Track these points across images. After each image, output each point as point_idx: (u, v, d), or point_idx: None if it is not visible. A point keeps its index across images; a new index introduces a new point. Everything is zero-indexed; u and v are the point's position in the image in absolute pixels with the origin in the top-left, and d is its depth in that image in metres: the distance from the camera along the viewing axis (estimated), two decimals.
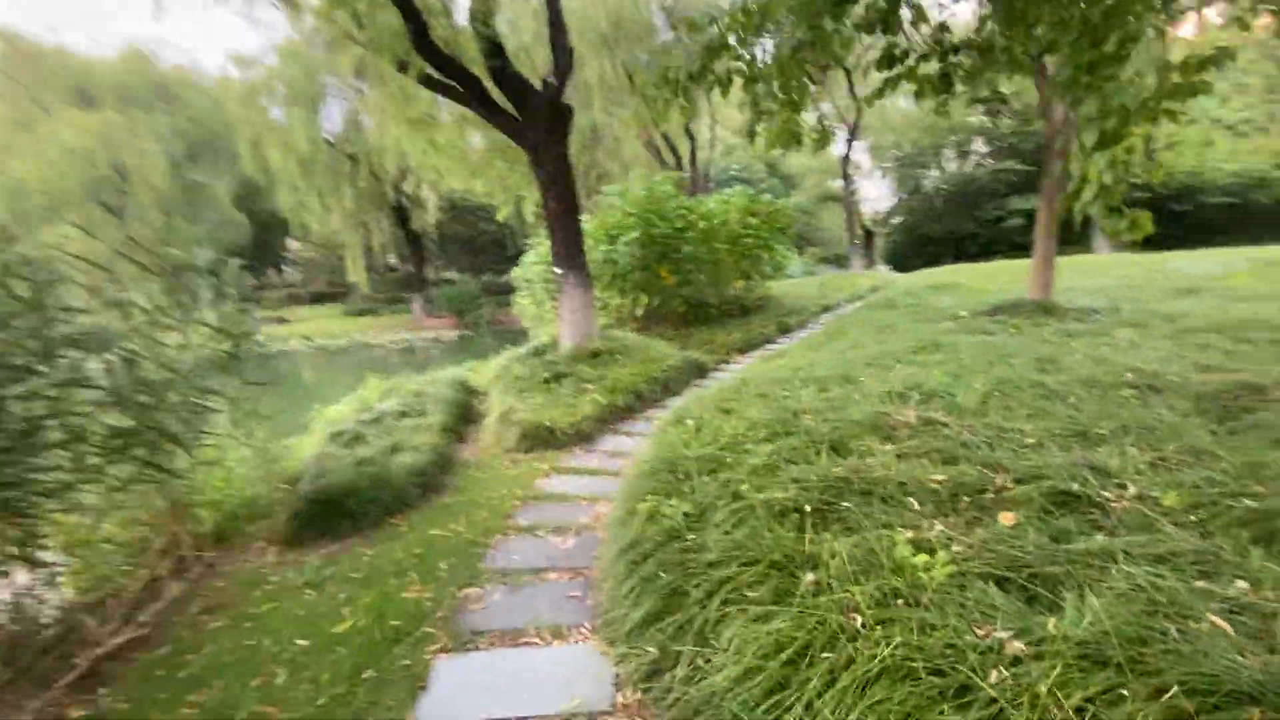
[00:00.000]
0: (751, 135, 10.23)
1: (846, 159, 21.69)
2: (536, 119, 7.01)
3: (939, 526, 2.69)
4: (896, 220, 34.68)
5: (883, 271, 21.56)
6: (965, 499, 2.96)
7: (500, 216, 12.72)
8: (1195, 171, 25.78)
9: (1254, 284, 8.22)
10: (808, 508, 2.92)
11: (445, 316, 27.20)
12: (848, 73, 17.28)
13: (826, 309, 12.70)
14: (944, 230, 31.21)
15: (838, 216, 31.27)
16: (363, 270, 24.78)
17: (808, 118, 10.63)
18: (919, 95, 4.17)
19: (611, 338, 7.87)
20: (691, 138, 16.89)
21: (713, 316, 10.37)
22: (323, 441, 5.28)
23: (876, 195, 38.01)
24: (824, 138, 10.66)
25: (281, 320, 28.96)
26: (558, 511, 4.04)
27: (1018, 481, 3.03)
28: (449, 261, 41.16)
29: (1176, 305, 7.64)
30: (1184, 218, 25.89)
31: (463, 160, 10.46)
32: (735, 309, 11.03)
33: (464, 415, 6.51)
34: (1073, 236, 27.63)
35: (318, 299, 35.79)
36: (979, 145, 30.98)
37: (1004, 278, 12.89)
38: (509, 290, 31.97)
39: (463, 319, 26.84)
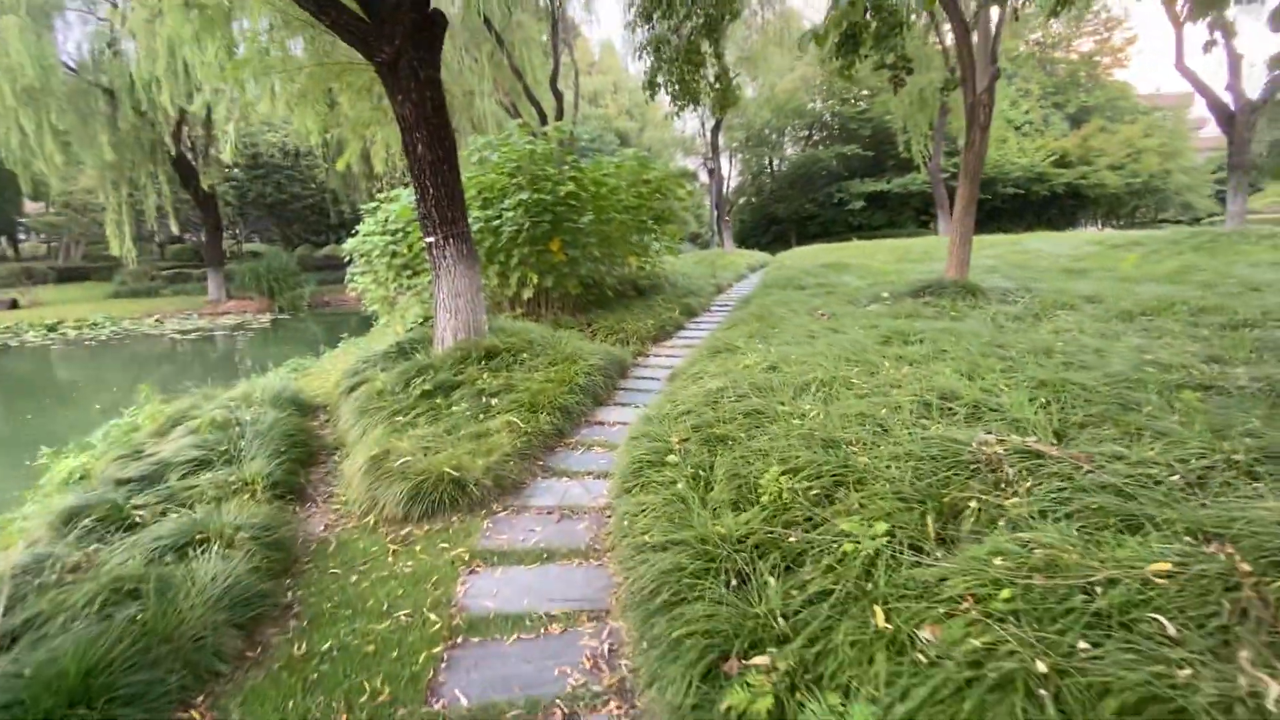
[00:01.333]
0: (652, 87, 8.74)
1: (717, 130, 21.08)
2: (395, 22, 4.93)
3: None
4: (742, 200, 35.52)
5: (746, 251, 21.46)
6: (1213, 606, 1.87)
7: (341, 165, 9.98)
8: (995, 164, 29.17)
9: (1138, 266, 8.65)
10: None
11: (251, 298, 22.52)
12: None
13: (720, 289, 11.83)
14: (788, 211, 32.46)
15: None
16: (129, 239, 19.38)
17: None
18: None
19: (507, 330, 6.07)
20: (558, 96, 14.99)
21: (609, 299, 8.88)
22: (38, 539, 3.00)
23: (724, 175, 38.71)
24: (727, 95, 9.54)
25: (14, 304, 22.09)
26: (516, 665, 2.32)
27: (1265, 564, 2.02)
28: (253, 230, 34.79)
29: (1078, 286, 7.67)
30: (982, 205, 29.09)
31: (283, 80, 7.73)
32: (630, 290, 9.64)
33: (303, 454, 4.41)
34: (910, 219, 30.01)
35: (68, 276, 28.16)
36: (819, 129, 32.51)
37: (883, 255, 12.98)
38: (337, 265, 27.62)
39: (275, 300, 22.39)
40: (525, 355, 5.50)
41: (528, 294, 7.73)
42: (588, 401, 5.01)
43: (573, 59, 17.78)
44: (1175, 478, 2.63)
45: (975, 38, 7.35)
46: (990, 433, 3.12)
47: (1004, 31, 7.24)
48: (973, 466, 2.82)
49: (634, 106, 36.00)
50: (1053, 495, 2.55)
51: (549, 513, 3.38)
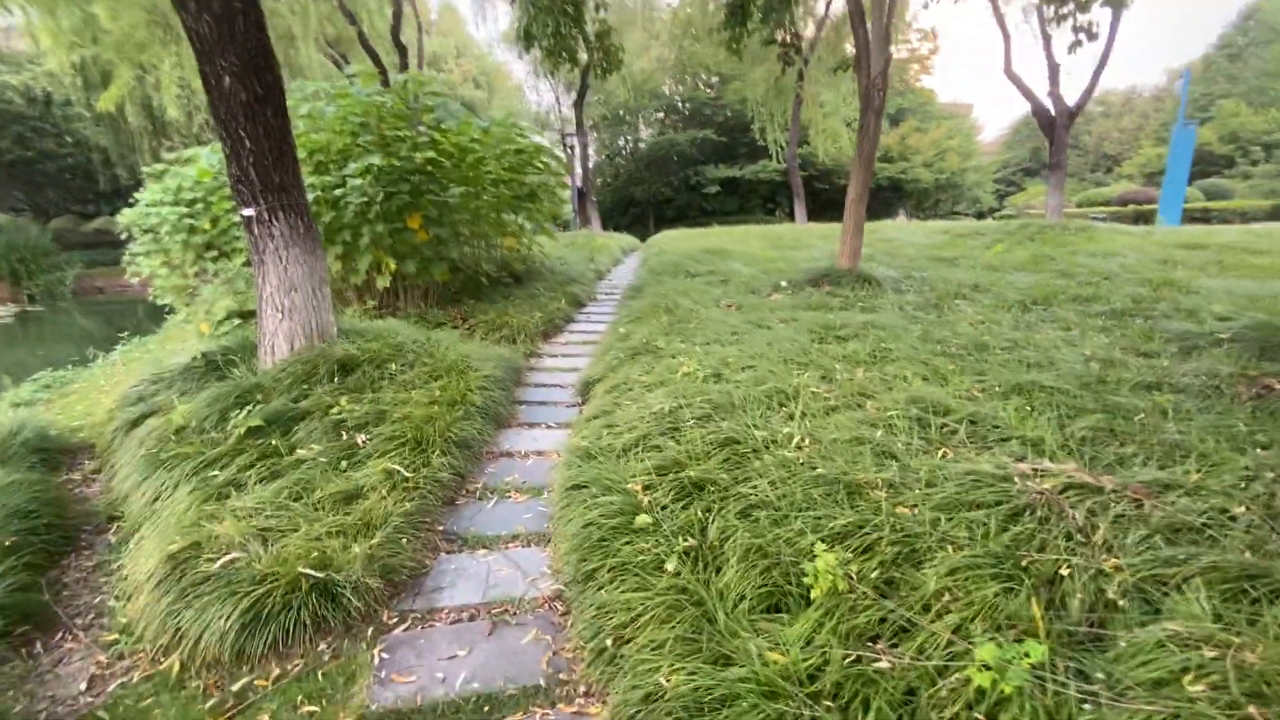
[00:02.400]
0: (526, 39, 7.51)
1: (581, 102, 19.88)
2: None
3: None
4: (600, 181, 34.79)
5: (614, 233, 20.76)
6: None
7: (106, 104, 7.55)
8: (833, 158, 31.31)
9: (1000, 255, 9.17)
10: None
11: None
12: None
13: (600, 275, 10.95)
14: (646, 193, 32.34)
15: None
16: None
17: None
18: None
19: (363, 332, 4.69)
20: (402, 50, 12.89)
21: (483, 288, 7.61)
22: None
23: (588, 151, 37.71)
24: (609, 56, 8.59)
25: None
26: None
27: None
28: None
29: (956, 274, 7.90)
30: (819, 194, 31.23)
31: None
32: (505, 277, 8.42)
33: (51, 541, 2.84)
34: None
35: None
36: (673, 113, 32.60)
37: (755, 242, 12.89)
38: (114, 242, 22.58)
39: (24, 286, 17.53)
40: (394, 366, 4.21)
41: (383, 283, 6.26)
42: (488, 427, 3.90)
43: (414, 9, 15.56)
44: (1241, 509, 2.28)
45: (869, 22, 7.14)
46: (1023, 460, 2.63)
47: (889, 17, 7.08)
48: (1032, 511, 2.27)
49: (481, 74, 33.44)
50: (1144, 548, 2.06)
51: (471, 616, 2.31)
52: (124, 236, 8.89)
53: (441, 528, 2.86)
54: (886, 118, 35.70)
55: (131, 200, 8.50)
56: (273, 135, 3.92)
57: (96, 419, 4.57)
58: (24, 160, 23.05)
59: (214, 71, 3.72)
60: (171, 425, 3.47)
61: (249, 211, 3.96)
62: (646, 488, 2.66)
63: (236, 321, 6.78)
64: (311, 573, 2.22)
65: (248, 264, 7.32)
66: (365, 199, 5.78)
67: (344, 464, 3.10)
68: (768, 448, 2.83)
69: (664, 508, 2.51)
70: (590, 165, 31.96)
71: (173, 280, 8.32)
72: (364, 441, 3.28)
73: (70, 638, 2.33)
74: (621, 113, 31.05)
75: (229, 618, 2.09)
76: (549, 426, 4.16)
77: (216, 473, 3.03)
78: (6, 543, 2.58)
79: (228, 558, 2.25)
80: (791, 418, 3.20)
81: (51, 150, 23.40)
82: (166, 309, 9.22)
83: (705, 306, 6.46)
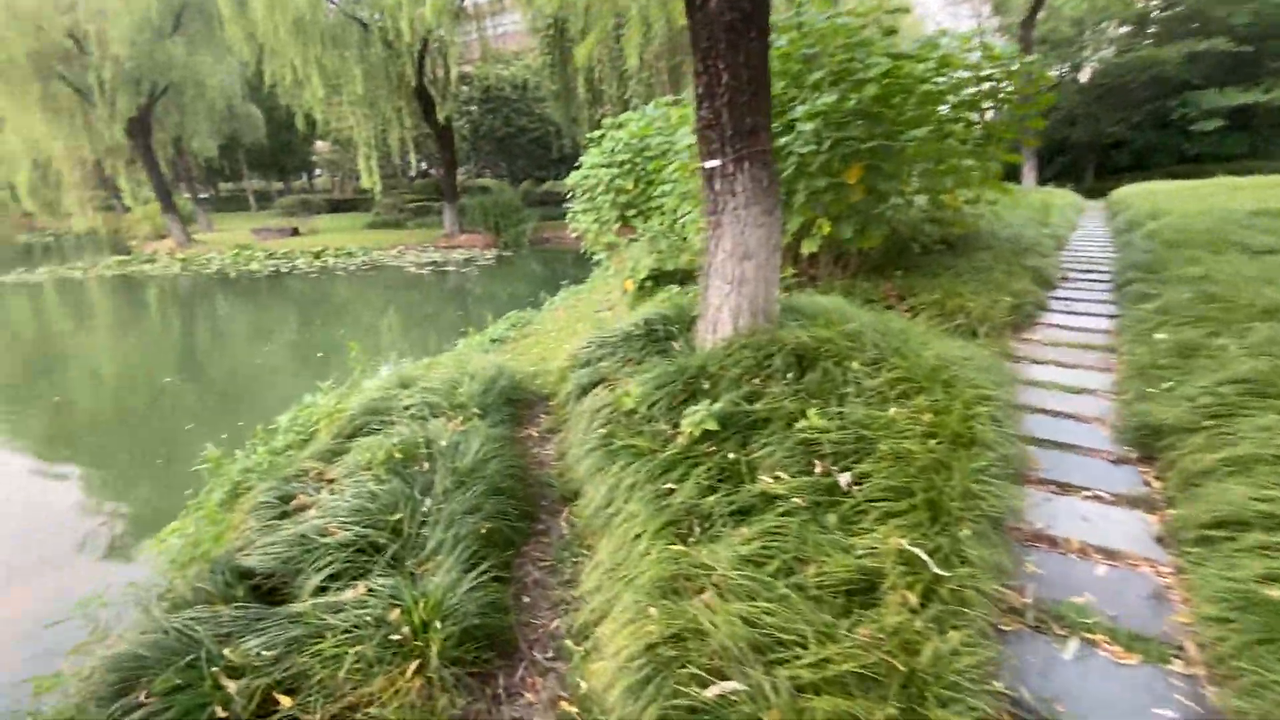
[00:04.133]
0: None
1: (1031, 23, 15.86)
2: None
3: None
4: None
5: (1046, 188, 16.40)
6: None
7: (583, 56, 8.34)
8: None
9: None
10: None
11: (480, 233, 23.12)
12: None
13: (1059, 244, 8.28)
14: (1086, 135, 25.09)
15: None
16: (375, 172, 20.51)
17: None
18: None
19: (805, 310, 3.83)
20: None
21: (913, 256, 6.14)
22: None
23: None
24: None
25: (295, 231, 25.36)
26: None
27: None
28: (483, 165, 36.52)
29: None
30: None
31: None
32: (935, 243, 6.71)
33: (516, 515, 2.68)
34: None
35: (338, 208, 31.98)
36: (1153, 24, 24.11)
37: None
38: (554, 200, 27.72)
39: (500, 236, 22.71)
40: (855, 364, 3.20)
41: (809, 248, 5.35)
42: (1000, 479, 2.58)
43: None
44: None
45: None
46: None
47: None
48: None
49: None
50: None
51: None
52: (568, 195, 10.08)
53: (999, 684, 1.72)
54: None
55: (576, 165, 9.46)
56: (753, 65, 3.16)
57: (549, 369, 4.78)
58: (508, 136, 29.88)
59: None
60: (622, 406, 3.11)
61: (713, 163, 3.34)
62: None
63: (653, 280, 6.82)
64: None
65: (673, 224, 7.41)
66: (812, 148, 4.85)
67: (829, 515, 2.20)
68: None
69: None
70: None
71: (602, 238, 9.05)
72: (849, 486, 2.33)
73: (528, 679, 1.95)
74: (1072, 30, 24.32)
75: None
76: (1095, 496, 2.63)
77: (672, 485, 2.46)
78: (483, 529, 2.39)
79: (722, 688, 1.51)
80: None
81: (524, 126, 29.73)
82: (593, 260, 10.27)
83: None
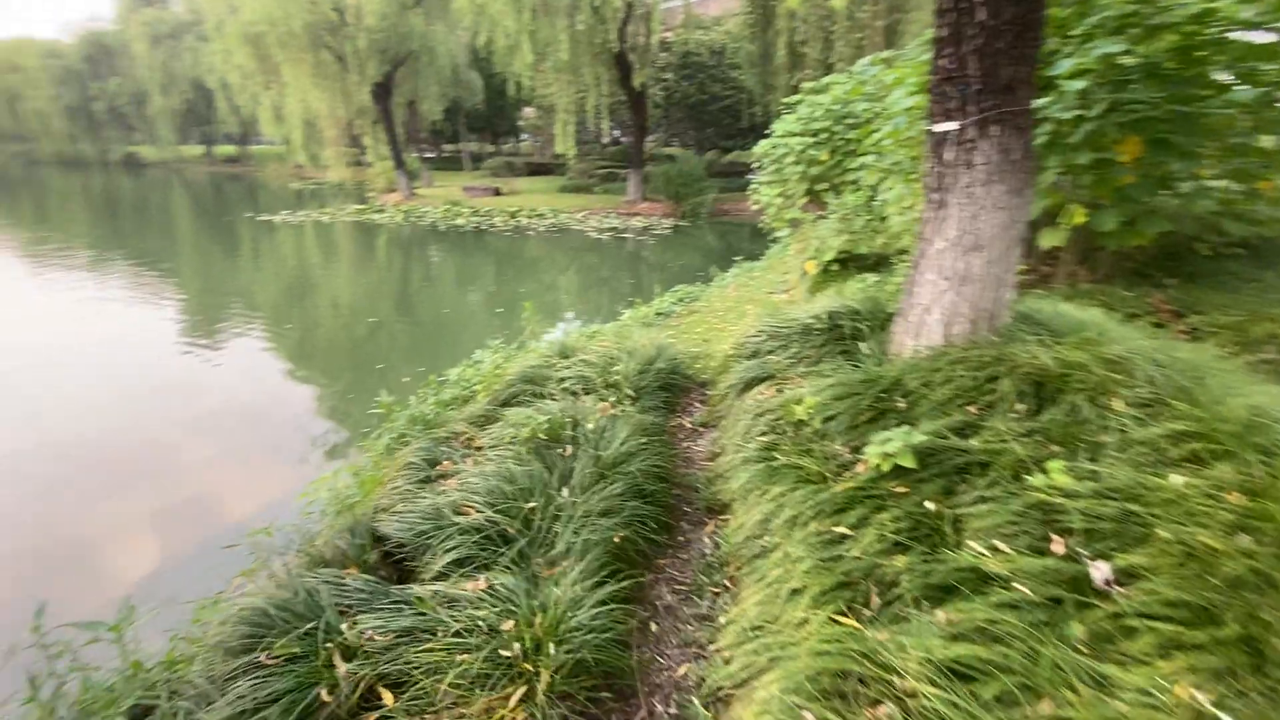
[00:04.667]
0: None
1: None
2: None
3: None
4: None
5: None
6: None
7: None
8: None
9: None
10: None
11: (661, 201, 23.18)
12: None
13: None
14: None
15: None
16: (571, 137, 21.30)
17: None
18: None
19: (1044, 323, 3.00)
20: None
21: (1198, 261, 4.73)
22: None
23: None
24: None
25: (497, 191, 27.50)
26: None
27: None
28: (671, 133, 36.54)
29: None
30: None
31: None
32: (1230, 246, 5.09)
33: (653, 529, 2.38)
34: None
35: (537, 171, 34.10)
36: None
37: None
38: (736, 172, 26.86)
39: (679, 205, 22.57)
40: (1118, 401, 2.38)
41: (1052, 240, 4.31)
42: None
43: None
44: None
45: None
46: None
47: None
48: None
49: None
50: None
51: None
52: (754, 166, 9.48)
53: None
54: None
55: (766, 133, 8.83)
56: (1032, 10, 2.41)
57: (711, 353, 4.41)
58: (700, 103, 29.44)
59: None
60: (791, 415, 2.64)
61: (948, 126, 2.65)
62: None
63: (838, 265, 6.09)
64: None
65: (869, 199, 6.56)
66: (1076, 113, 3.82)
67: (1075, 625, 1.58)
68: None
69: None
70: None
71: (785, 212, 8.37)
72: (1107, 583, 1.67)
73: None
74: None
75: None
76: None
77: (846, 530, 1.97)
78: (617, 537, 2.11)
79: None
80: None
81: (717, 93, 29.05)
82: (771, 237, 9.61)
83: None
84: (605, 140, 36.81)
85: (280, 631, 1.75)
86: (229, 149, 55.38)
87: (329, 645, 1.71)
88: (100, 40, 47.96)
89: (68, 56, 48.02)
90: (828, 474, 2.25)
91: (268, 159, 48.65)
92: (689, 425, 3.51)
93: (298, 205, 26.99)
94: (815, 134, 7.80)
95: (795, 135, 8.05)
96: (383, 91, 23.95)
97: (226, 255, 17.18)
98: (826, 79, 8.37)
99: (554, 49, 18.56)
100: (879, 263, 5.59)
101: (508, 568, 1.98)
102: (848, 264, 5.98)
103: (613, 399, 3.21)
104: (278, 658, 1.69)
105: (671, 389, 3.74)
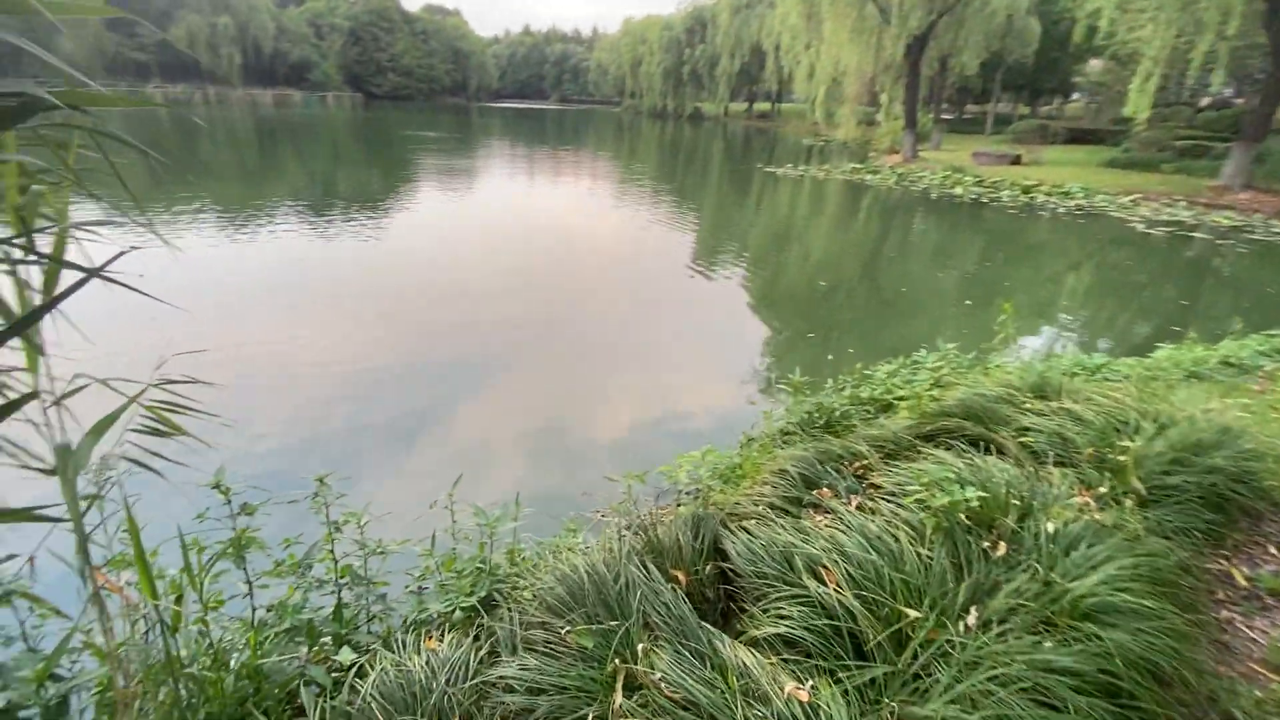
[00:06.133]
0: None
1: None
2: None
3: None
4: None
5: None
6: None
7: None
8: None
9: None
10: None
11: (1274, 192, 15.73)
12: None
13: None
14: None
15: None
16: (1150, 95, 15.94)
17: None
18: None
19: None
20: None
21: None
22: None
23: None
24: None
25: (1016, 160, 23.40)
26: None
27: None
28: None
29: None
30: None
31: None
32: None
33: None
34: None
35: (1078, 139, 27.63)
36: None
37: None
38: None
39: None
40: None
41: None
42: None
43: None
44: None
45: None
46: None
47: None
48: None
49: None
50: None
51: None
52: None
53: None
54: None
55: None
56: None
57: None
58: None
59: None
60: None
61: None
62: None
63: None
64: None
65: None
66: None
67: None
68: None
69: None
70: None
71: None
72: None
73: None
74: None
75: None
76: None
77: None
78: None
79: None
80: None
81: None
82: None
83: None
84: (1203, 102, 26.91)
85: (585, 615, 1.61)
86: (764, 105, 62.97)
87: (618, 661, 1.48)
88: (700, 14, 59.28)
89: (675, 29, 61.19)
90: None
91: (791, 115, 53.22)
92: (1245, 580, 2.05)
93: (804, 160, 28.65)
94: None
95: None
96: (917, 45, 22.61)
97: (737, 200, 19.53)
98: None
99: None
100: None
101: (845, 693, 1.38)
102: None
103: (1105, 489, 2.07)
104: (574, 643, 1.56)
105: (1224, 505, 2.25)
